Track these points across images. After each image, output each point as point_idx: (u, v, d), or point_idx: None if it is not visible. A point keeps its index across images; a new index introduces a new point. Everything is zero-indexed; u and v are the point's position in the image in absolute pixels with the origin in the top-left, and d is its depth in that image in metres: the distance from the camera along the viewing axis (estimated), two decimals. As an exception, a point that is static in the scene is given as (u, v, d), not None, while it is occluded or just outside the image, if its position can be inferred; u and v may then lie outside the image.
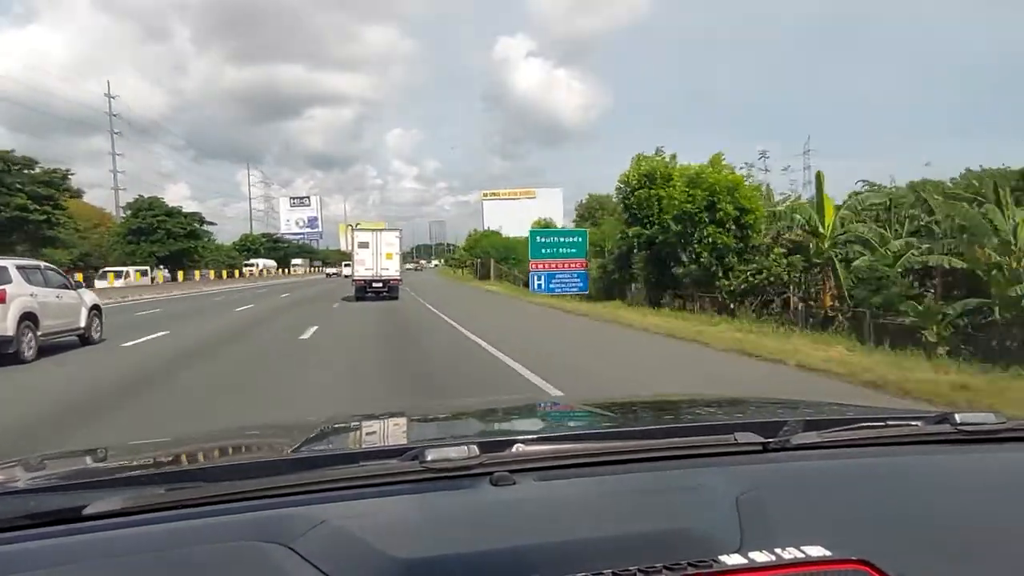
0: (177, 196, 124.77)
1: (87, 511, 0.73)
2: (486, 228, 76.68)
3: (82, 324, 10.33)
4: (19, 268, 9.22)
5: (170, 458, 1.21)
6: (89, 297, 10.96)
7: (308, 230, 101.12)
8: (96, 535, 0.70)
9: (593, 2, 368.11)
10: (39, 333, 9.02)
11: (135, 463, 1.16)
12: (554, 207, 72.24)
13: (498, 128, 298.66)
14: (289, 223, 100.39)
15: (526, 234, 31.24)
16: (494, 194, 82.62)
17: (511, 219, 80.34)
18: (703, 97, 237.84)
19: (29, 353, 8.77)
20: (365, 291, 21.02)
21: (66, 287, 10.27)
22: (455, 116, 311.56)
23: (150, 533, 0.70)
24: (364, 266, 21.51)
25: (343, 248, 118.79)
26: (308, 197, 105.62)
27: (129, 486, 0.84)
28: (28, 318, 8.87)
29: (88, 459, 1.20)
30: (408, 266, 36.74)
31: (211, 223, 57.74)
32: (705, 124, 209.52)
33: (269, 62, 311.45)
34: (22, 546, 0.68)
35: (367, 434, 1.40)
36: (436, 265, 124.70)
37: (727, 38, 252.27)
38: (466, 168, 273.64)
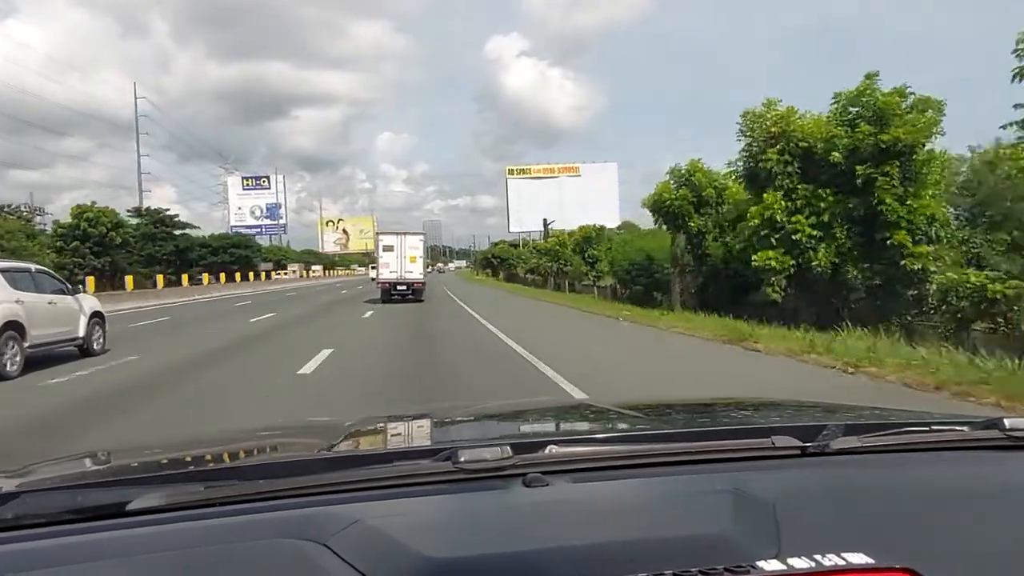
0: (162, 199, 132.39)
1: (130, 507, 0.95)
2: (510, 215, 76.03)
3: (80, 333, 11.39)
4: (2, 271, 10.13)
5: (209, 456, 1.51)
6: (89, 303, 12.01)
7: (267, 221, 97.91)
8: (139, 530, 0.90)
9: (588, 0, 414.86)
10: (26, 344, 9.92)
11: (175, 461, 1.46)
12: (606, 187, 70.66)
13: (490, 128, 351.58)
14: (242, 212, 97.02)
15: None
16: (523, 171, 79.90)
17: (547, 205, 75.82)
18: (699, 97, 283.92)
19: (12, 368, 9.57)
20: (390, 293, 27.44)
21: (62, 292, 11.35)
22: (446, 117, 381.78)
23: (190, 529, 0.90)
24: (389, 269, 27.90)
25: (321, 249, 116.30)
26: (267, 177, 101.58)
27: (170, 483, 1.08)
28: (12, 327, 9.75)
29: (131, 457, 1.52)
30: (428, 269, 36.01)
31: None
32: (699, 125, 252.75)
33: (255, 59, 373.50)
34: (69, 539, 0.89)
35: (400, 435, 1.73)
36: (456, 268, 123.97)
37: (722, 38, 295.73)
38: (456, 170, 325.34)
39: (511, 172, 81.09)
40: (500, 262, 79.07)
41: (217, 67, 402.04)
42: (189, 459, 1.49)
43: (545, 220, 46.87)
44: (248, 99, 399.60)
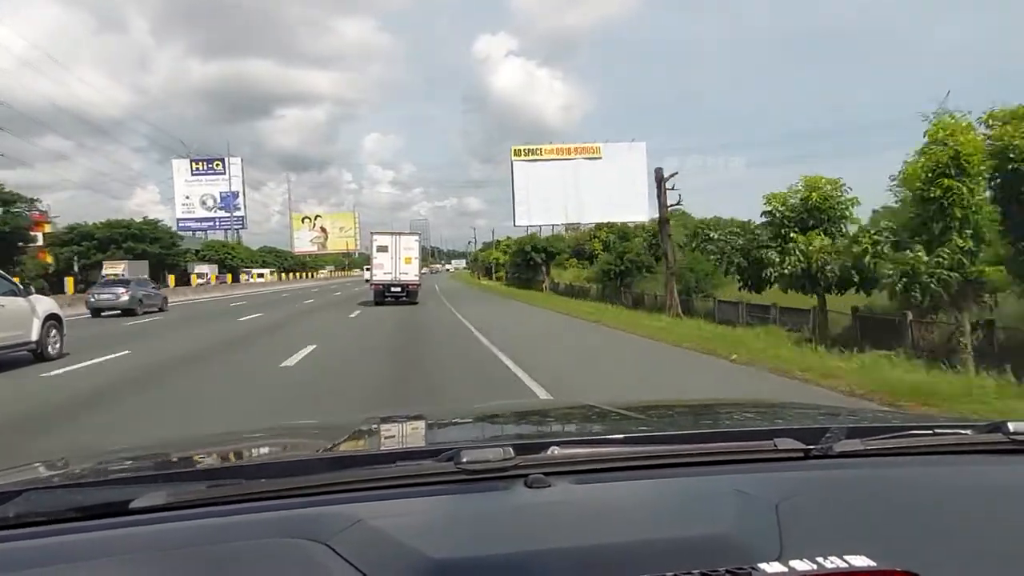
0: (146, 200, 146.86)
1: (133, 505, 1.04)
2: (516, 206, 71.61)
3: (33, 337, 11.96)
4: (-62, 274, 11.08)
5: (212, 455, 1.69)
6: (43, 306, 12.63)
7: (222, 214, 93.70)
8: (141, 528, 0.99)
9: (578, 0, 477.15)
10: (-36, 352, 10.71)
11: (178, 459, 1.61)
12: (634, 172, 67.43)
13: (478, 129, 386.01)
14: (190, 203, 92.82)
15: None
16: (531, 153, 75.10)
17: (562, 192, 72.96)
18: (688, 98, 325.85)
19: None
20: (384, 295, 29.39)
21: (14, 294, 12.02)
22: (434, 118, 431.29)
23: (193, 527, 0.99)
24: (383, 270, 29.54)
25: (292, 248, 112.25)
26: (220, 160, 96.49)
27: (173, 482, 1.18)
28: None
29: (134, 455, 1.66)
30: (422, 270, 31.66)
31: None
32: (690, 126, 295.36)
33: (239, 57, 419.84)
34: (71, 538, 0.98)
35: (402, 435, 1.96)
36: (450, 270, 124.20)
37: (711, 39, 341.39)
38: (444, 171, 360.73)
39: (517, 153, 75.54)
40: (546, 259, 53.94)
41: (200, 65, 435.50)
42: (192, 458, 1.61)
43: (659, 170, 27.56)
44: (231, 98, 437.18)
